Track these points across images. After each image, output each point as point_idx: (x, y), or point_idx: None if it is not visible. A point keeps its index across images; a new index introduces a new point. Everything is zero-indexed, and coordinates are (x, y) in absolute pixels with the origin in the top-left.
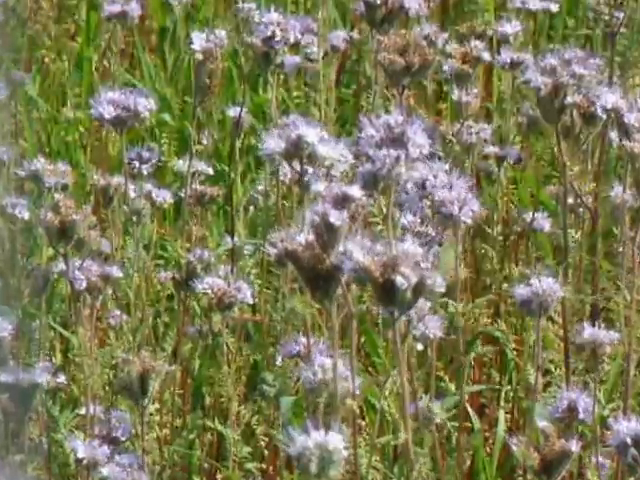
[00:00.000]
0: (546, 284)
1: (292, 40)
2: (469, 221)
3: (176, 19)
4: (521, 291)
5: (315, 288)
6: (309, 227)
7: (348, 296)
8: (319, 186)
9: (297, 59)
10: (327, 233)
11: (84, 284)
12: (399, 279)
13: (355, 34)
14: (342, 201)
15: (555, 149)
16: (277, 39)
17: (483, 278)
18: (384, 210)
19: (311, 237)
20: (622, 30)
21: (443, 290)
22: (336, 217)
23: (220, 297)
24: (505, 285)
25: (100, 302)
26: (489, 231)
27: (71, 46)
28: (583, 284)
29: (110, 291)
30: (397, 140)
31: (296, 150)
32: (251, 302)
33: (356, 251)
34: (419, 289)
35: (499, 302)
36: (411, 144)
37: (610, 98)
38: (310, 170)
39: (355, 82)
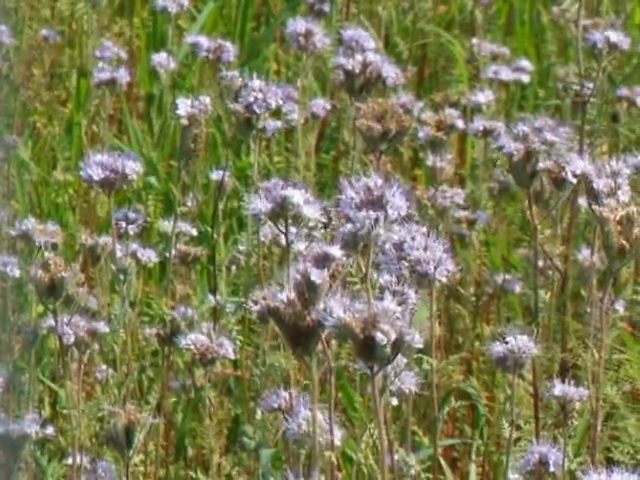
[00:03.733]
0: (521, 342)
1: (273, 106)
2: (444, 280)
3: (162, 87)
4: (497, 348)
5: (296, 344)
6: (291, 285)
7: (328, 352)
8: (300, 245)
9: (278, 124)
10: (308, 291)
11: (72, 339)
12: (379, 335)
13: (334, 102)
14: (323, 260)
15: (526, 213)
16: (259, 105)
17: (456, 337)
18: (363, 269)
19: (293, 295)
20: (591, 100)
21: (421, 346)
22: (317, 275)
23: (203, 353)
24: (477, 343)
25: (87, 357)
26: (462, 292)
27: (62, 112)
28: (552, 343)
29: (97, 346)
30: (376, 202)
31: (282, 211)
32: (233, 358)
33: (337, 308)
34: (398, 345)
35: (471, 360)
36: (390, 206)
37: (579, 164)
38: (293, 230)
39: (334, 148)
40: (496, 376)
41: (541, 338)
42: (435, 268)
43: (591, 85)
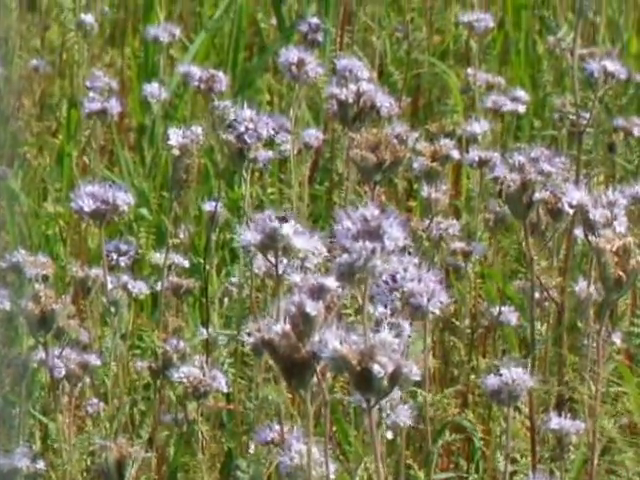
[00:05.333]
0: (516, 374)
1: (265, 136)
2: (437, 312)
3: (154, 117)
4: (491, 381)
5: (291, 376)
6: (285, 317)
7: (323, 385)
8: (295, 277)
9: (270, 154)
10: (303, 323)
11: (63, 372)
12: (376, 367)
13: (328, 133)
14: (318, 292)
15: (522, 244)
16: (250, 135)
17: (451, 369)
18: (359, 301)
19: (287, 327)
20: (587, 130)
21: (418, 379)
22: (312, 307)
23: (195, 386)
24: (473, 376)
25: (78, 390)
26: (458, 324)
27: (52, 142)
28: (549, 376)
29: (88, 379)
30: (373, 233)
31: (272, 242)
32: (226, 391)
33: (333, 340)
34: (395, 377)
35: (467, 393)
36: (387, 237)
37: (576, 195)
38: (284, 262)
39: (328, 179)
40: (492, 409)
41: (538, 371)
42: (428, 300)
43: (587, 115)
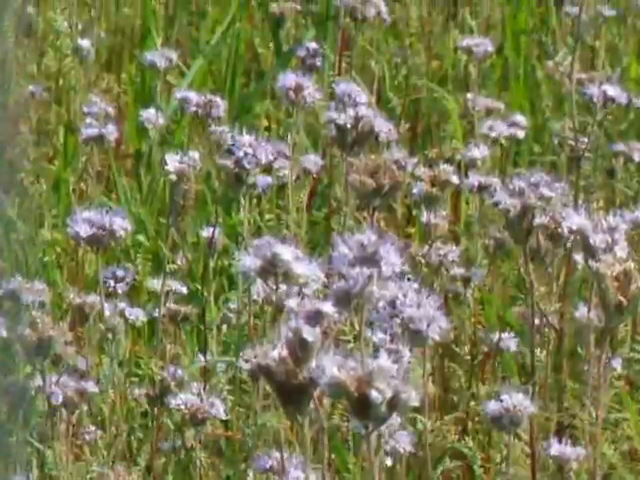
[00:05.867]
0: (516, 400)
1: (263, 161)
2: (437, 338)
3: (151, 143)
4: (492, 407)
5: (288, 402)
6: (282, 342)
7: (321, 411)
8: (292, 302)
9: (269, 179)
10: (300, 348)
11: (60, 399)
12: (374, 393)
13: (326, 159)
14: (315, 317)
15: (521, 270)
16: (248, 160)
17: (451, 396)
18: (356, 327)
19: (284, 352)
20: (587, 155)
21: (417, 405)
22: (309, 333)
23: (193, 413)
24: (472, 403)
25: (76, 417)
26: (457, 350)
27: (49, 169)
28: (549, 402)
29: (85, 407)
30: (370, 259)
31: (271, 268)
32: (224, 418)
33: (330, 366)
34: (394, 403)
35: (467, 420)
36: (384, 263)
37: (576, 220)
38: (284, 288)
39: (326, 205)
40: (492, 436)
41: (538, 397)
42: (428, 326)
43: (586, 140)
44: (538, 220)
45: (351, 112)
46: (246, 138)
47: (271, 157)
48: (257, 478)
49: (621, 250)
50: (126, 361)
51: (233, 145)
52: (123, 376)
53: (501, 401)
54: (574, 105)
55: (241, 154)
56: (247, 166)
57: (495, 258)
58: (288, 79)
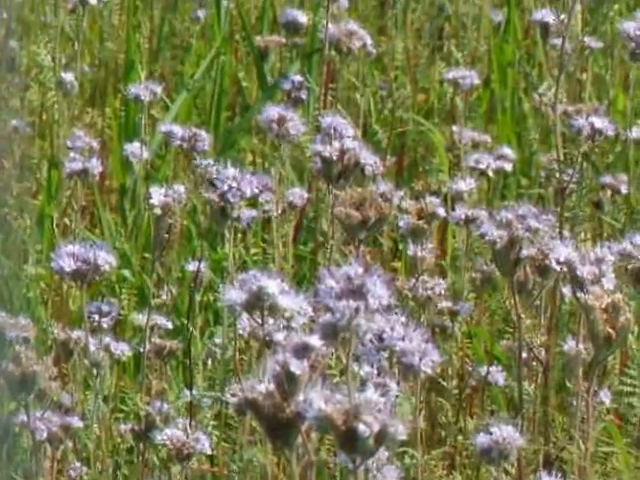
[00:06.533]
0: (506, 432)
1: (248, 194)
2: (430, 371)
3: (136, 177)
4: (481, 440)
5: (275, 437)
6: (269, 376)
7: (308, 445)
8: (279, 336)
9: (254, 213)
10: (288, 382)
11: (45, 435)
12: (361, 427)
13: (312, 192)
14: (302, 351)
15: (508, 303)
16: (233, 194)
17: (439, 431)
18: (343, 360)
19: (271, 386)
20: (574, 187)
21: (404, 438)
22: (297, 366)
23: (179, 448)
24: (460, 438)
25: (60, 453)
26: (445, 385)
27: (33, 204)
28: (537, 435)
29: (70, 443)
30: (357, 291)
31: (257, 301)
32: (209, 453)
33: (317, 400)
34: (381, 437)
35: (455, 454)
36: (371, 295)
37: (563, 251)
38: (270, 321)
39: (312, 239)
40: (480, 470)
41: (526, 430)
42: (420, 359)
43: (574, 172)
44: (525, 252)
45: (337, 144)
46: (230, 171)
47: (256, 190)
48: None
49: (609, 282)
50: (111, 396)
51: (217, 178)
52: (108, 411)
53: (490, 434)
54: (558, 137)
55: (225, 187)
56: (231, 199)
57: (482, 291)
58: (271, 111)
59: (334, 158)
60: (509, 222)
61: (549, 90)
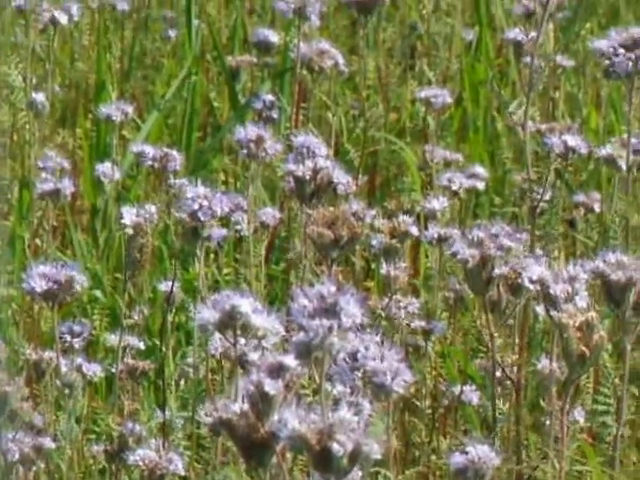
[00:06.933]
0: (481, 452)
1: (219, 213)
2: (401, 391)
3: (107, 198)
4: (457, 459)
5: (250, 457)
6: (244, 396)
7: (283, 465)
8: (253, 356)
9: (224, 231)
10: (262, 402)
11: (17, 456)
12: (335, 446)
13: (284, 212)
14: (277, 370)
15: (480, 322)
16: (204, 212)
17: (412, 450)
18: (317, 380)
19: (246, 406)
20: (546, 205)
21: (379, 457)
22: (271, 386)
23: (152, 469)
24: (434, 457)
25: (33, 474)
26: (418, 404)
27: (4, 225)
28: (511, 454)
29: (42, 464)
30: (330, 310)
31: (230, 320)
32: (182, 474)
33: (291, 419)
34: (355, 456)
35: (428, 474)
36: (344, 314)
37: (536, 270)
38: (242, 341)
39: (284, 259)
40: None
41: (500, 450)
42: (392, 379)
43: (546, 190)
44: (498, 271)
45: (310, 164)
46: (201, 190)
47: (226, 209)
48: None
49: (582, 300)
50: (83, 417)
51: (188, 198)
52: (80, 432)
53: (466, 453)
54: (528, 155)
55: (196, 206)
56: (202, 218)
57: (455, 311)
58: (249, 131)
59: (307, 177)
60: (481, 241)
61: (519, 108)
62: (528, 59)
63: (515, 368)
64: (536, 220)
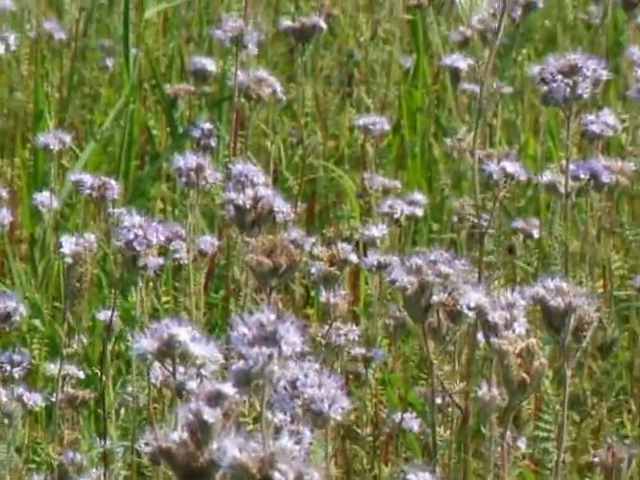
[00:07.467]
0: (423, 479)
1: (154, 242)
2: (339, 418)
3: (45, 227)
4: None
5: None
6: (183, 425)
7: None
8: (192, 384)
9: (161, 260)
10: (201, 430)
11: None
12: (277, 475)
13: (222, 239)
14: (216, 398)
15: (421, 349)
16: (139, 242)
17: (354, 478)
18: (257, 408)
19: (185, 435)
20: (488, 231)
21: None
22: (210, 414)
23: None
24: None
25: None
26: (359, 432)
27: None
28: None
29: None
30: (269, 338)
31: (168, 349)
32: None
33: (232, 448)
34: None
35: None
36: (284, 342)
37: (474, 296)
38: (181, 370)
39: (224, 287)
40: None
41: (441, 477)
42: (329, 406)
43: (487, 216)
44: (436, 298)
45: (250, 192)
46: (137, 219)
47: (162, 238)
48: None
49: (520, 326)
50: (24, 447)
51: (124, 227)
52: (21, 462)
53: None
54: (477, 181)
55: (131, 236)
56: (138, 248)
57: (396, 338)
58: (189, 160)
59: (248, 206)
60: (419, 268)
61: (468, 134)
62: (466, 85)
63: (457, 395)
64: (483, 247)
